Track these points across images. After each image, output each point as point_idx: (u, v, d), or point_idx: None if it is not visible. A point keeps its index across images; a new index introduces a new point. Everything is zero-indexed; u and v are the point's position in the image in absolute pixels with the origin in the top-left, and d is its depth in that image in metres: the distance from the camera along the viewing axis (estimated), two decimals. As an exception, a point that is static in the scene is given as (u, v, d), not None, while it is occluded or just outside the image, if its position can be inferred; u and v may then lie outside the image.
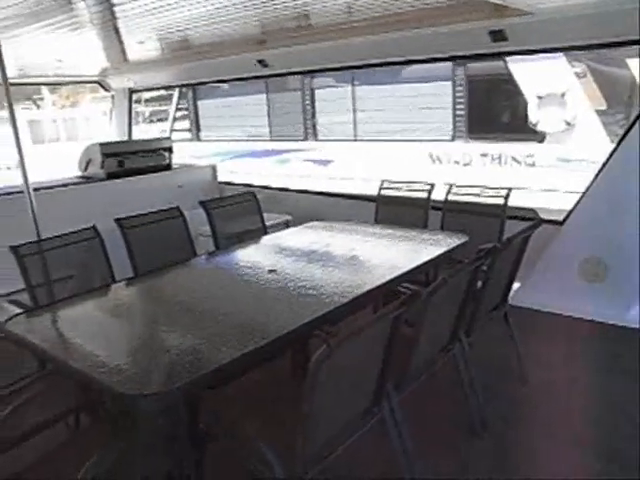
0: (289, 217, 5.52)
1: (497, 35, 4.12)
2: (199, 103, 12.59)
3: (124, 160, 5.84)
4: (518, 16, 3.89)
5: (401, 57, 5.32)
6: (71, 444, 2.38)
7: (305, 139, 10.93)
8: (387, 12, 4.44)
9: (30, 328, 2.50)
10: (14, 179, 9.08)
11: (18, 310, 4.72)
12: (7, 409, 2.08)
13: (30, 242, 3.02)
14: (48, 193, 5.14)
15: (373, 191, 4.70)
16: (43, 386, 2.56)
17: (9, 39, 5.10)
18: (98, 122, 20.88)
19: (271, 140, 11.48)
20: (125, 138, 7.66)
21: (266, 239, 3.80)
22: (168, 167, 6.29)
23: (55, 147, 17.57)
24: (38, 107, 25.61)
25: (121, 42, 6.32)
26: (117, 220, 3.34)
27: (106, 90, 7.67)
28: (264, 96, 11.31)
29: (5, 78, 4.06)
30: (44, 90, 24.55)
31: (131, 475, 2.01)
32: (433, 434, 2.71)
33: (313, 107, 10.73)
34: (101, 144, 5.84)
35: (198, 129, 12.59)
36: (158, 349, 2.13)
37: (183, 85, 7.66)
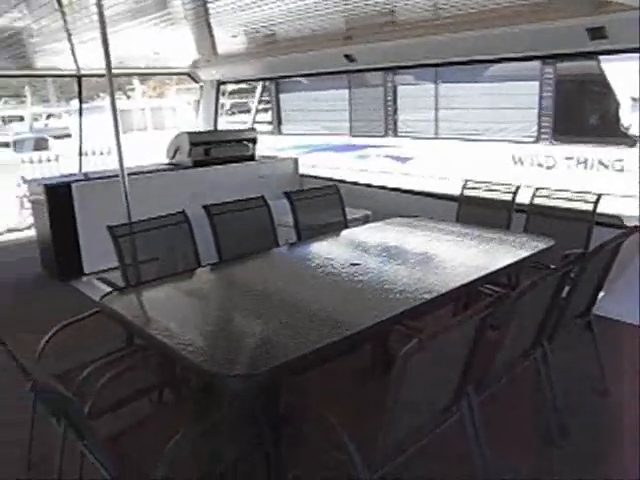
0: (368, 212, 5.52)
1: (596, 32, 3.94)
2: (281, 97, 12.78)
3: (210, 149, 6.03)
4: (620, 12, 3.71)
5: (488, 55, 5.20)
6: (154, 418, 2.49)
7: (385, 135, 10.89)
8: (475, 9, 4.35)
9: (124, 305, 2.64)
10: (107, 164, 9.61)
11: (107, 288, 5.01)
12: (102, 379, 2.20)
13: (125, 223, 3.17)
14: (140, 178, 5.39)
15: (452, 190, 4.64)
16: (131, 361, 2.70)
17: (114, 33, 5.38)
18: (183, 112, 21.65)
19: (351, 135, 11.50)
20: (211, 128, 7.90)
21: (347, 233, 3.83)
22: (251, 158, 6.44)
23: (143, 135, 18.31)
24: (128, 97, 26.79)
25: (212, 36, 6.52)
26: (205, 207, 3.46)
27: (195, 82, 7.93)
28: (346, 91, 11.34)
29: (109, 70, 4.30)
30: (135, 81, 25.64)
31: (213, 453, 2.09)
32: (510, 438, 2.66)
33: (395, 103, 10.67)
34: (189, 133, 6.05)
35: (279, 122, 12.79)
36: (243, 333, 2.21)
37: (268, 78, 7.80)
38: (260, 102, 13.19)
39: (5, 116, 24.10)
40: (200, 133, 6.53)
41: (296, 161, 6.73)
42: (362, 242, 3.53)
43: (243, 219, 3.59)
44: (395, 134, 10.81)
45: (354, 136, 11.44)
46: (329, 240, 3.62)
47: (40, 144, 19.47)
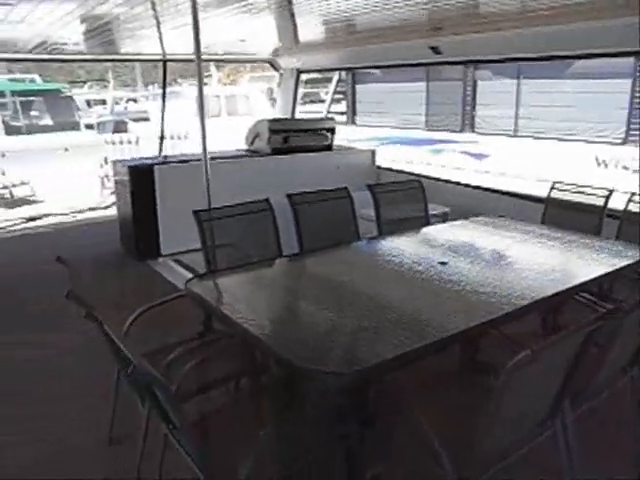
0: (447, 209, 5.38)
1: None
2: (357, 87, 12.69)
3: (289, 137, 6.02)
4: None
5: (575, 50, 4.93)
6: (232, 407, 2.48)
7: (462, 131, 10.63)
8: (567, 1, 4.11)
9: (208, 290, 2.63)
10: (184, 148, 9.82)
11: (182, 270, 5.09)
12: (188, 365, 2.21)
13: (210, 209, 3.18)
14: (219, 163, 5.42)
15: (530, 190, 4.42)
16: (213, 347, 2.71)
17: (202, 20, 5.45)
18: (256, 100, 21.88)
19: (426, 129, 11.29)
20: (288, 117, 7.90)
21: (430, 229, 3.72)
22: (329, 148, 6.40)
23: (217, 121, 18.62)
24: (204, 84, 27.37)
25: (294, 24, 6.50)
26: (289, 195, 3.44)
27: (275, 70, 7.95)
28: (422, 84, 11.13)
29: (199, 56, 4.33)
30: (212, 68, 26.16)
31: (295, 449, 2.05)
32: (604, 457, 2.50)
33: (474, 99, 10.39)
34: (269, 120, 6.07)
35: (354, 113, 12.70)
36: (331, 329, 2.14)
37: (348, 68, 7.73)
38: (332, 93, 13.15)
39: (90, 100, 25.10)
40: (280, 120, 6.53)
41: (373, 153, 6.64)
42: (447, 240, 3.41)
43: (325, 210, 3.55)
44: (472, 130, 10.52)
45: (429, 130, 11.21)
46: (412, 236, 3.52)
47: (119, 127, 20.16)
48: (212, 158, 5.47)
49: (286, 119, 7.34)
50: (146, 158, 5.77)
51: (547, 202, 4.32)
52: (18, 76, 21.19)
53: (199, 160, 5.21)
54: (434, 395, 2.19)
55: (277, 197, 3.50)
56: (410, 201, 4.04)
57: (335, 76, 11.81)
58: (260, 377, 2.48)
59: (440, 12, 5.09)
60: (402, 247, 3.26)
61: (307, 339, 2.08)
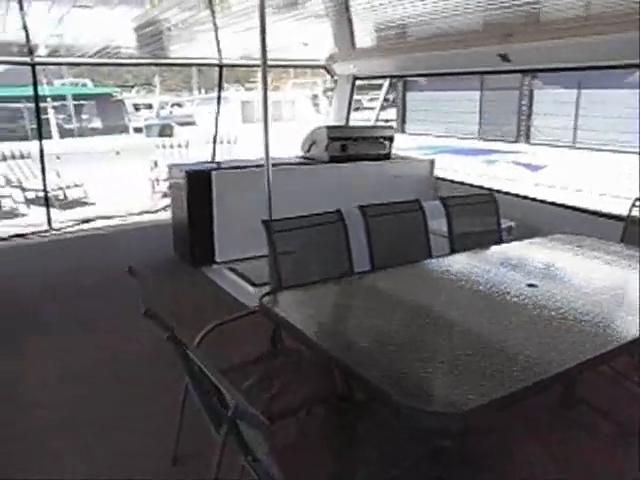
0: (512, 223, 5.13)
1: None
2: (407, 95, 12.48)
3: (347, 145, 5.87)
4: None
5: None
6: (309, 436, 2.32)
7: (516, 141, 10.30)
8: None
9: (284, 307, 2.48)
10: (233, 153, 9.78)
11: (236, 278, 4.97)
12: (271, 390, 2.06)
13: (280, 219, 3.03)
14: (277, 170, 5.31)
15: (591, 205, 4.14)
16: (284, 370, 2.56)
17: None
18: (301, 106, 21.89)
19: (479, 139, 10.99)
20: (342, 123, 7.76)
21: (508, 247, 3.49)
22: (387, 157, 6.22)
23: (262, 126, 18.61)
24: (246, 89, 27.52)
25: (351, 30, 6.38)
26: (361, 207, 3.27)
27: (330, 76, 7.82)
28: (475, 93, 10.85)
29: (265, 61, 4.23)
30: (259, 73, 26.32)
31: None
32: None
33: (530, 108, 10.05)
34: (328, 127, 5.93)
35: (403, 121, 12.49)
36: (424, 360, 1.95)
37: (406, 75, 7.53)
38: (372, 99, 12.95)
39: (138, 104, 25.55)
40: (338, 128, 6.39)
41: (432, 163, 6.43)
42: (530, 260, 3.19)
43: (398, 223, 3.37)
44: (527, 140, 10.18)
45: (482, 140, 10.91)
46: (490, 254, 3.30)
47: (165, 130, 20.43)
48: (256, 166, 5.38)
49: (344, 126, 7.20)
50: (202, 163, 5.70)
51: (628, 220, 4.04)
52: (72, 80, 21.71)
53: (258, 166, 5.14)
54: (533, 433, 1.98)
55: (335, 206, 3.35)
56: (482, 215, 3.83)
57: (385, 83, 11.66)
58: (340, 403, 2.30)
59: (511, 18, 4.89)
60: (482, 266, 3.05)
61: (399, 370, 1.89)
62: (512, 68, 6.00)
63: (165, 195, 9.11)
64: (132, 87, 35.08)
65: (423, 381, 1.78)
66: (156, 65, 7.18)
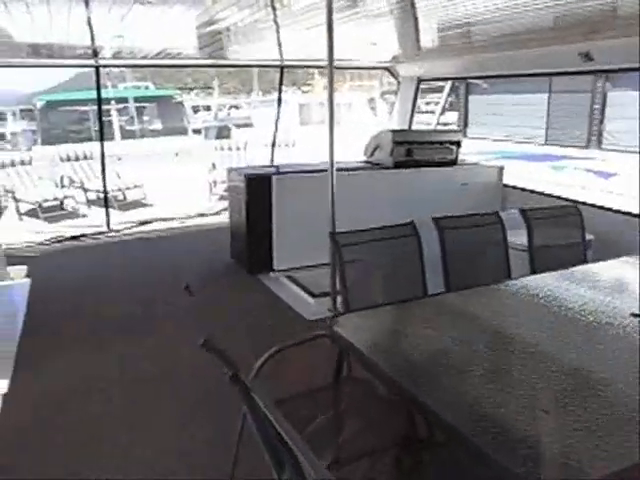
0: (590, 237, 4.72)
1: None
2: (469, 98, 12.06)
3: (413, 150, 5.59)
4: None
5: None
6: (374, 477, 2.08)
7: (587, 146, 9.74)
8: None
9: (355, 332, 2.22)
10: (291, 156, 9.65)
11: (294, 287, 4.78)
12: (342, 433, 1.83)
13: (349, 231, 2.80)
14: (340, 175, 5.10)
15: None
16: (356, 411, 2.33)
17: (321, 25, 5.17)
18: (358, 108, 21.68)
19: (545, 144, 10.47)
20: (405, 127, 7.48)
21: (598, 267, 3.11)
22: (453, 162, 5.91)
23: (320, 129, 18.52)
24: (302, 92, 27.56)
25: (416, 30, 6.11)
26: (435, 219, 3.01)
27: (394, 77, 7.56)
28: (544, 96, 10.32)
29: (331, 61, 4.04)
30: (317, 75, 26.26)
31: None
32: None
33: (602, 112, 9.47)
34: (393, 131, 5.68)
35: (465, 125, 12.07)
36: (524, 407, 1.67)
37: (474, 77, 7.17)
38: (428, 103, 12.55)
39: (196, 106, 25.98)
40: (404, 131, 6.13)
41: (501, 170, 6.07)
42: (627, 282, 2.84)
43: (474, 237, 3.09)
44: (599, 145, 9.61)
45: (549, 145, 10.38)
46: (581, 275, 2.95)
47: (223, 132, 20.63)
48: (317, 171, 5.17)
49: (410, 130, 6.92)
50: (262, 167, 5.54)
51: None
52: (135, 84, 22.24)
53: (319, 171, 4.92)
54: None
55: (399, 214, 3.12)
56: (565, 229, 3.50)
57: (447, 85, 11.31)
58: (420, 451, 2.03)
59: (595, 13, 4.51)
60: (574, 290, 2.72)
61: (492, 417, 1.61)
62: (595, 68, 5.61)
63: (222, 198, 9.05)
64: (191, 90, 35.81)
65: (529, 439, 1.49)
66: (217, 67, 7.08)
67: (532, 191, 6.05)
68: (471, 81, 10.57)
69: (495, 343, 2.15)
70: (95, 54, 6.10)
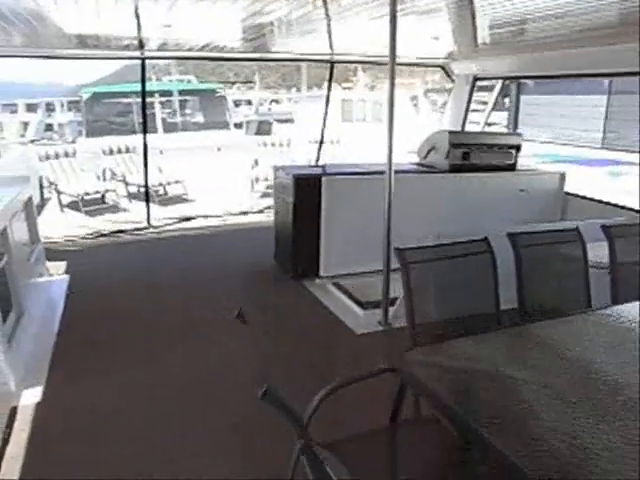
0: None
1: None
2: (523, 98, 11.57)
3: (470, 153, 5.26)
4: None
5: None
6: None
7: (650, 152, 9.19)
8: None
9: (428, 369, 1.95)
10: (336, 155, 9.39)
11: (341, 295, 4.51)
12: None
13: (417, 247, 2.51)
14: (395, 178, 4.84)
15: None
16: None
17: (378, 18, 4.90)
18: (402, 106, 21.22)
19: (602, 148, 9.94)
20: (458, 128, 7.13)
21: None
22: (512, 167, 5.55)
23: (362, 126, 18.23)
24: (342, 88, 27.26)
25: (474, 26, 5.78)
26: (510, 235, 2.70)
27: (448, 76, 7.22)
28: (599, 97, 9.78)
29: (393, 57, 3.77)
30: (360, 72, 25.91)
31: None
32: None
33: (669, 115, 8.90)
34: (450, 132, 5.35)
35: (515, 126, 11.59)
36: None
37: (533, 77, 6.76)
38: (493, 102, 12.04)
39: (238, 100, 25.96)
40: (461, 133, 5.80)
41: (563, 177, 5.68)
42: None
43: (552, 255, 2.78)
44: (663, 151, 9.05)
45: (606, 149, 9.85)
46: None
47: (264, 127, 20.53)
48: (381, 171, 4.90)
49: (467, 132, 6.58)
50: (310, 167, 5.29)
51: None
52: (178, 77, 22.29)
53: (372, 173, 4.66)
54: None
55: (456, 222, 2.83)
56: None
57: (497, 85, 10.86)
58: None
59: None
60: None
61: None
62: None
63: (264, 195, 8.85)
64: (233, 84, 35.89)
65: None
66: (264, 60, 6.86)
67: (597, 200, 5.65)
68: (523, 80, 10.08)
69: (606, 393, 1.82)
70: (141, 46, 5.94)
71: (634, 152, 9.14)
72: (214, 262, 5.52)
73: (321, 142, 7.55)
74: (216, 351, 3.65)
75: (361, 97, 21.42)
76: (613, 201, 5.59)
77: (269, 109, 27.16)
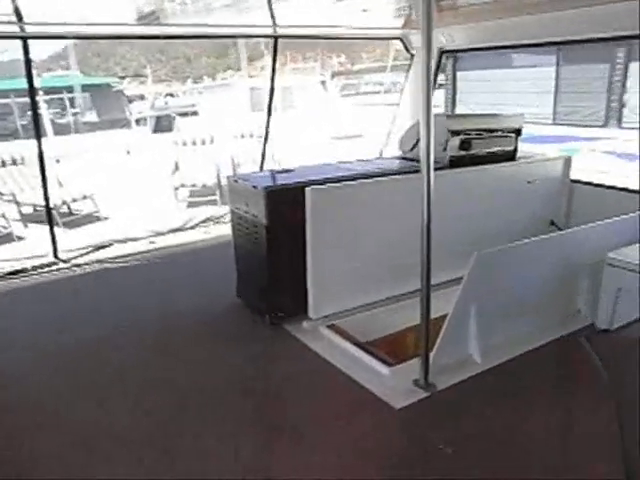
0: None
1: None
2: (458, 75, 10.82)
3: (470, 141, 4.24)
4: None
5: None
6: None
7: (605, 125, 8.67)
8: None
9: None
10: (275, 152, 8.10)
11: (349, 346, 3.34)
12: None
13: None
14: (380, 182, 3.74)
15: None
16: None
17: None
18: (315, 93, 20.20)
19: (554, 124, 9.34)
20: (417, 112, 6.11)
21: None
22: (513, 156, 4.60)
23: (274, 116, 16.99)
24: (250, 76, 25.85)
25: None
26: None
27: (406, 50, 6.17)
28: (550, 69, 9.16)
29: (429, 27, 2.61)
30: (268, 57, 24.46)
31: None
32: None
33: (624, 86, 8.40)
34: (448, 116, 4.32)
35: (453, 104, 10.82)
36: None
37: (511, 47, 5.86)
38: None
39: (129, 95, 23.83)
40: (459, 117, 4.73)
41: (568, 162, 4.81)
42: None
43: None
44: (619, 124, 8.56)
45: (558, 125, 9.27)
46: None
47: (163, 122, 18.87)
48: (373, 175, 3.82)
49: (463, 115, 5.55)
50: (276, 173, 4.03)
51: None
52: (61, 73, 19.81)
53: (366, 178, 3.61)
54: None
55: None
56: None
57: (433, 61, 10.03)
58: None
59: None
60: None
61: None
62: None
63: (191, 205, 7.49)
64: (123, 78, 33.52)
65: None
66: (196, 38, 5.46)
67: (613, 187, 4.83)
68: (461, 55, 9.30)
69: None
70: (19, 18, 4.38)
71: (589, 127, 8.59)
72: (151, 308, 4.15)
73: (266, 138, 6.29)
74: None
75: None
76: (624, 186, 4.83)
77: (166, 103, 25.31)
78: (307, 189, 3.39)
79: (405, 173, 3.96)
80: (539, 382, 3.00)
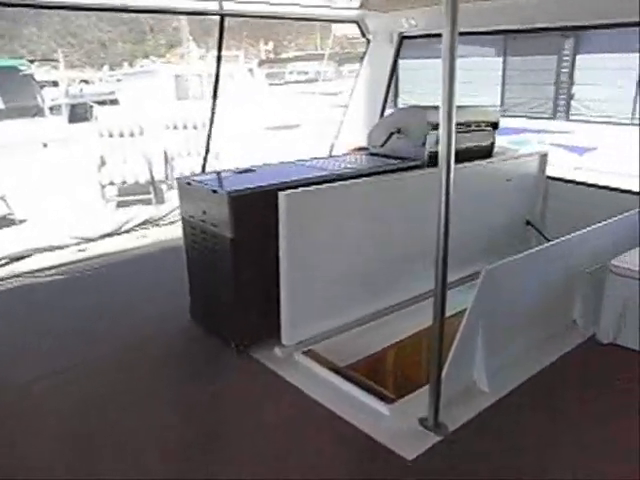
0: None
1: None
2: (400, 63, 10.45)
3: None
4: None
5: None
6: None
7: (553, 117, 8.56)
8: None
9: None
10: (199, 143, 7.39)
11: (334, 379, 2.82)
12: None
13: None
14: (357, 184, 3.26)
15: None
16: None
17: None
18: (243, 80, 19.50)
19: (503, 116, 9.15)
20: (378, 103, 5.69)
21: None
22: (490, 151, 4.25)
23: (201, 104, 16.20)
24: (170, 63, 24.65)
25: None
26: None
27: (363, 35, 5.69)
28: (497, 60, 8.95)
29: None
30: (192, 43, 23.35)
31: None
32: None
33: (571, 77, 8.30)
34: (427, 108, 3.87)
35: (396, 94, 10.47)
36: None
37: (474, 33, 5.47)
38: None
39: (39, 81, 22.05)
40: (436, 109, 4.30)
41: (544, 158, 4.51)
42: None
43: None
44: (567, 117, 8.48)
45: (506, 117, 9.09)
46: None
47: (79, 110, 17.65)
48: (351, 176, 3.34)
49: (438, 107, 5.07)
50: (237, 173, 3.44)
51: None
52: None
53: (344, 179, 3.15)
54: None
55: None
56: None
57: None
58: None
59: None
60: None
61: None
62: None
63: (120, 205, 6.72)
64: (32, 62, 31.29)
65: None
66: (128, 12, 4.67)
67: (580, 183, 4.61)
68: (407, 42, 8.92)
69: None
70: None
71: (535, 118, 8.47)
72: (82, 334, 3.47)
73: (210, 135, 5.62)
74: None
75: (196, 72, 19.15)
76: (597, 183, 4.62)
77: (81, 90, 23.76)
78: (281, 194, 2.85)
79: (385, 173, 3.50)
80: (560, 412, 2.63)
